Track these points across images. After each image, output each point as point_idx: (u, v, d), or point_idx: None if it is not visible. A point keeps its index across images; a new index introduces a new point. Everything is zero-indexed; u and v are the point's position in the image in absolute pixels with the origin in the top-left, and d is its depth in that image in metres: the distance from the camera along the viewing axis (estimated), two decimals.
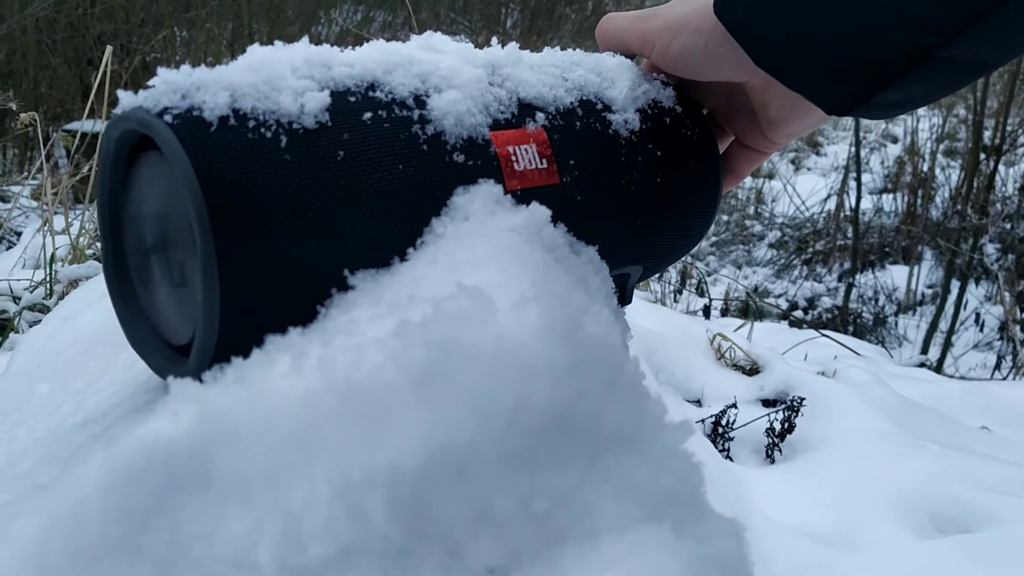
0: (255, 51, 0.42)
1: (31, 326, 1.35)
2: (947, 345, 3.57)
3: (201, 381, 0.36)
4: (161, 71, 0.39)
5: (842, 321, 3.87)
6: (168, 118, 0.37)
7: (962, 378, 3.06)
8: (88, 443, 0.40)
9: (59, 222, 1.90)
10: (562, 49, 0.54)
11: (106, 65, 1.60)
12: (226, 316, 0.37)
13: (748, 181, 5.31)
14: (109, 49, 1.61)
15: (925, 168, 4.65)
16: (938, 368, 3.34)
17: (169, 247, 0.40)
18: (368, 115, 0.42)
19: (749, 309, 3.55)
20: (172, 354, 0.42)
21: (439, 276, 0.37)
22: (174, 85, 0.38)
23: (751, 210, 5.20)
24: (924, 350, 3.62)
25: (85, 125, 2.03)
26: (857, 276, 4.16)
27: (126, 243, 0.43)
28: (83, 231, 1.81)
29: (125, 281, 0.43)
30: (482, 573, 0.30)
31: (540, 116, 0.48)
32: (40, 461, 0.41)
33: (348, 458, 0.30)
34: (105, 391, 0.48)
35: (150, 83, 0.39)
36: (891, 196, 4.85)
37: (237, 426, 0.31)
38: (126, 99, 0.39)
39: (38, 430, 0.47)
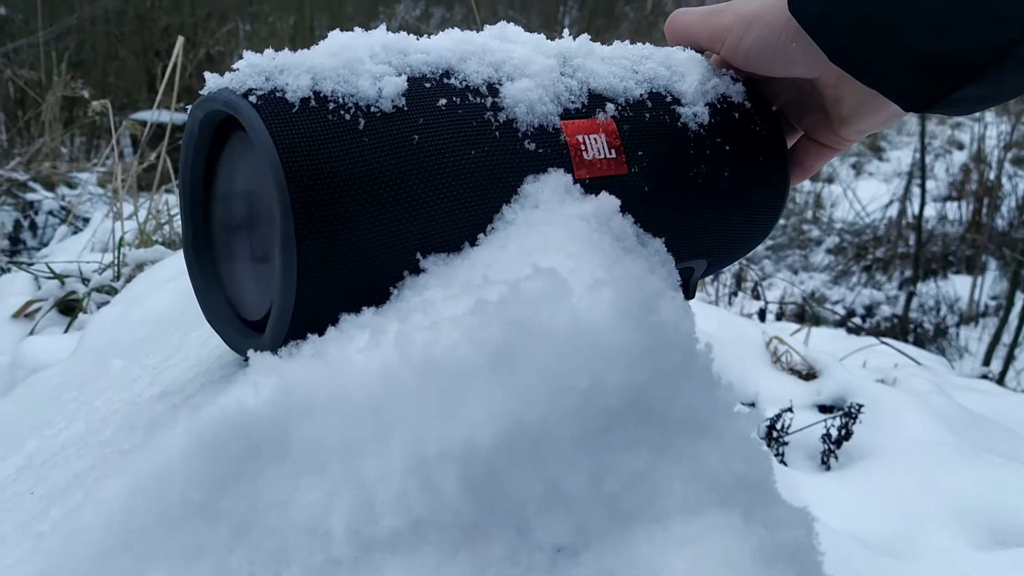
0: (335, 36, 0.43)
1: (99, 307, 1.39)
2: (1009, 358, 3.47)
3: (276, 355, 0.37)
4: (247, 54, 0.40)
5: (902, 330, 3.78)
6: (252, 99, 0.38)
7: None
8: (168, 413, 0.41)
9: (126, 209, 1.95)
10: None
11: (177, 56, 1.64)
12: (302, 292, 0.38)
13: (807, 185, 5.22)
14: (180, 40, 1.65)
15: (992, 176, 4.52)
16: (1000, 381, 3.25)
17: (253, 224, 0.42)
18: (443, 101, 0.42)
19: (805, 314, 3.49)
20: (246, 329, 0.44)
21: (511, 260, 0.37)
22: (258, 67, 0.39)
23: (809, 214, 5.12)
24: (986, 362, 3.52)
25: (153, 115, 2.08)
26: (918, 285, 4.07)
27: (212, 220, 0.45)
28: (150, 217, 1.85)
29: (204, 257, 0.45)
30: (551, 550, 0.30)
31: (610, 107, 0.48)
32: (120, 429, 0.42)
33: (423, 432, 0.30)
34: (180, 366, 0.49)
35: (235, 65, 0.40)
36: (955, 204, 4.73)
37: (314, 398, 0.32)
38: (212, 80, 0.40)
39: (115, 401, 0.49)
